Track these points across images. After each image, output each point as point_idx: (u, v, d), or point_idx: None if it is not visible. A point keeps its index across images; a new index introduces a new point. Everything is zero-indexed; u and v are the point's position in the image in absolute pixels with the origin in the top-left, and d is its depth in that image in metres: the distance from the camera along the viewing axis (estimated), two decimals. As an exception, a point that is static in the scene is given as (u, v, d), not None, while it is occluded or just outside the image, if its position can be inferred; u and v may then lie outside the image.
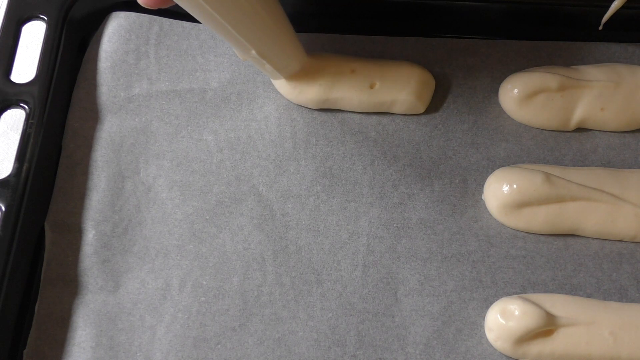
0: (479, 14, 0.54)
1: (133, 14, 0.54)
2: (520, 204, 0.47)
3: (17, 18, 0.51)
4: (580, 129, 0.51)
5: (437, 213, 0.49)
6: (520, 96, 0.50)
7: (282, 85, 0.51)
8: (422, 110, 0.51)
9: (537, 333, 0.44)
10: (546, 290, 0.47)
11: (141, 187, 0.50)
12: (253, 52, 0.45)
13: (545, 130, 0.51)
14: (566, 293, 0.46)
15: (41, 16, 0.52)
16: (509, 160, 0.50)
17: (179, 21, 0.54)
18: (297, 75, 0.50)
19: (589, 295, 0.47)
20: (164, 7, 0.41)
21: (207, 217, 0.49)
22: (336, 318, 0.46)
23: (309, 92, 0.50)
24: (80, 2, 0.53)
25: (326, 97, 0.50)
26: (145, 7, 0.41)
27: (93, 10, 0.54)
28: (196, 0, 0.38)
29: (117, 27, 0.53)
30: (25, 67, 0.51)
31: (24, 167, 0.48)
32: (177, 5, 0.40)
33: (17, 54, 0.51)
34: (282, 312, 0.46)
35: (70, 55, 0.53)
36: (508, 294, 0.46)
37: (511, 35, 0.54)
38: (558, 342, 0.44)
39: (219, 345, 0.45)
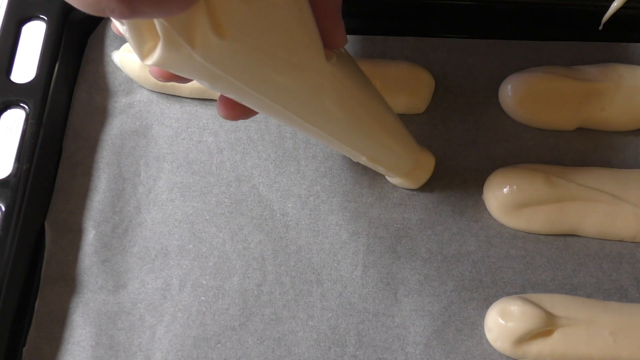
0: (479, 14, 0.54)
1: None
2: (520, 204, 0.47)
3: (17, 18, 0.51)
4: (580, 129, 0.51)
5: (437, 213, 0.49)
6: (520, 96, 0.50)
7: (399, 182, 0.49)
8: (422, 110, 0.51)
9: (537, 333, 0.44)
10: (546, 290, 0.47)
11: (141, 189, 0.50)
12: (364, 158, 0.43)
13: (545, 130, 0.51)
14: (566, 293, 0.46)
15: (41, 16, 0.52)
16: (509, 160, 0.50)
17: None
18: (412, 172, 0.48)
19: (589, 295, 0.46)
20: (244, 119, 0.38)
21: (207, 217, 0.49)
22: (336, 318, 0.46)
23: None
24: (80, 2, 0.53)
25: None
26: (226, 119, 0.38)
27: (93, 10, 0.54)
28: (294, 119, 0.36)
29: None
30: (25, 67, 0.51)
31: (24, 167, 0.48)
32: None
33: (17, 54, 0.51)
34: (282, 311, 0.46)
35: (70, 55, 0.53)
36: (508, 294, 0.46)
37: (511, 35, 0.54)
38: (558, 342, 0.44)
39: (219, 345, 0.45)
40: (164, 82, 0.35)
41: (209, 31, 0.27)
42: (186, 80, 0.34)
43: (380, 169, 0.46)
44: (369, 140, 0.42)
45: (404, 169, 0.47)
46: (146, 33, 0.27)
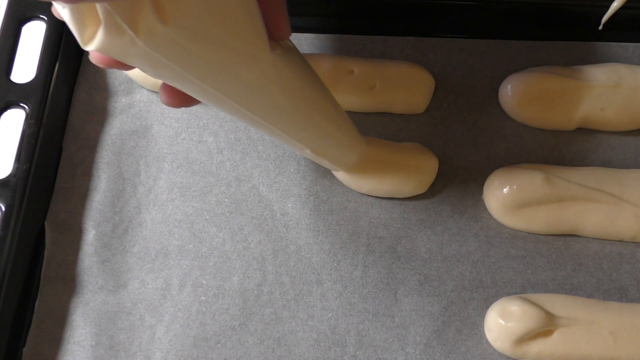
0: (479, 14, 0.54)
1: None
2: (520, 204, 0.47)
3: (17, 18, 0.51)
4: (580, 129, 0.51)
5: (437, 213, 0.49)
6: (520, 96, 0.50)
7: (342, 176, 0.49)
8: (422, 110, 0.51)
9: (537, 333, 0.44)
10: (546, 290, 0.47)
11: (142, 189, 0.50)
12: (308, 151, 0.43)
13: (545, 130, 0.51)
14: (566, 293, 0.46)
15: (41, 16, 0.52)
16: (509, 160, 0.50)
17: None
18: (357, 167, 0.48)
19: (589, 295, 0.46)
20: (186, 106, 0.37)
21: (207, 217, 0.49)
22: (336, 318, 0.46)
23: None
24: (80, 2, 0.53)
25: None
26: (168, 106, 0.38)
27: (93, 10, 0.54)
28: (237, 109, 0.36)
29: None
30: (25, 67, 0.51)
31: (24, 167, 0.48)
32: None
33: (17, 54, 0.51)
34: (282, 311, 0.46)
35: (70, 55, 0.53)
36: (508, 294, 0.46)
37: (511, 35, 0.54)
38: (558, 342, 0.44)
39: (219, 345, 0.45)
40: (104, 68, 0.34)
41: (152, 17, 0.27)
42: (128, 67, 0.33)
43: (325, 163, 0.46)
44: (313, 133, 0.42)
45: (348, 163, 0.47)
46: (88, 18, 0.27)
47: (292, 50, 0.38)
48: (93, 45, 0.27)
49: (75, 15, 0.27)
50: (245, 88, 0.35)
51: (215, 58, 0.31)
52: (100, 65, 0.33)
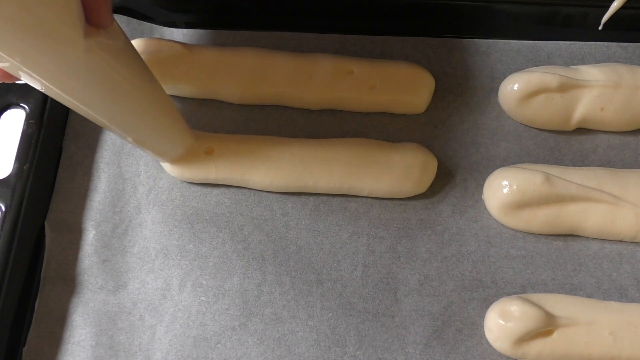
0: (479, 14, 0.54)
1: (134, 21, 0.54)
2: (520, 204, 0.47)
3: (17, 18, 0.51)
4: (580, 129, 0.51)
5: (437, 213, 0.49)
6: (520, 96, 0.50)
7: (168, 168, 0.49)
8: (422, 110, 0.51)
9: (537, 333, 0.44)
10: (546, 290, 0.47)
11: (141, 189, 0.50)
12: (130, 139, 0.43)
13: (545, 130, 0.51)
14: (566, 293, 0.46)
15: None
16: (509, 160, 0.50)
17: (179, 29, 0.54)
18: (183, 159, 0.48)
19: (589, 295, 0.47)
20: (8, 82, 0.37)
21: (207, 217, 0.49)
22: (336, 318, 0.46)
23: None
24: (80, 2, 0.53)
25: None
26: None
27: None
28: (54, 91, 0.36)
29: None
30: (25, 67, 0.51)
31: (24, 167, 0.48)
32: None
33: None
34: (282, 311, 0.46)
35: (71, 55, 0.53)
36: (508, 294, 0.46)
37: (511, 35, 0.54)
38: (558, 342, 0.44)
39: (219, 345, 0.45)
40: None
41: None
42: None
43: (148, 153, 0.47)
44: (133, 123, 0.43)
45: (173, 155, 0.48)
46: None
47: (118, 38, 0.37)
48: None
49: None
50: (56, 70, 0.35)
51: (22, 37, 0.31)
52: None
